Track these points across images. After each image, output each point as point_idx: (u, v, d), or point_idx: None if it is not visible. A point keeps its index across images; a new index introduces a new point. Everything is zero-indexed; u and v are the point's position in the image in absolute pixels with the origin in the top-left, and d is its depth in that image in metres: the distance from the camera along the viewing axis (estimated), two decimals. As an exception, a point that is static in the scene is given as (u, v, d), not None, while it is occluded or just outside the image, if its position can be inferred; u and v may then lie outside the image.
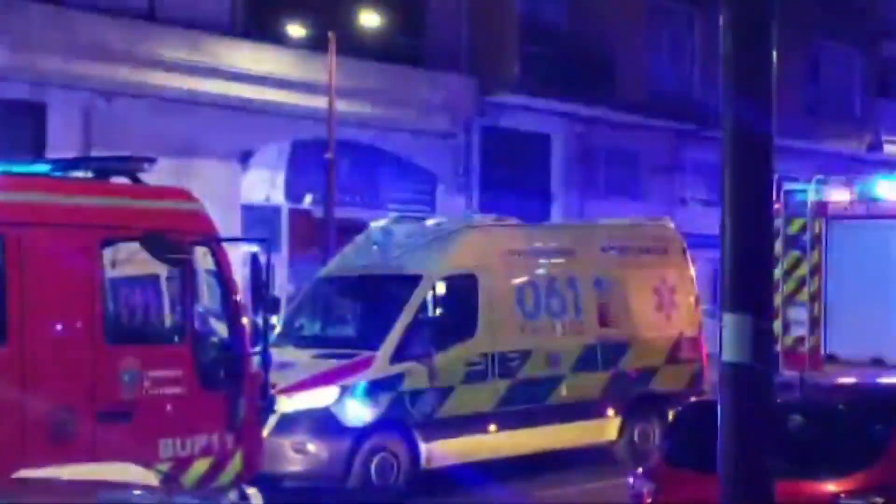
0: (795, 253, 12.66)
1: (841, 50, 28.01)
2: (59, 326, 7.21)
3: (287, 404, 10.80)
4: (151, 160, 7.87)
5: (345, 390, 11.10)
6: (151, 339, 7.93)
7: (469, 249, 12.45)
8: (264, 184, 19.57)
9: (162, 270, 8.01)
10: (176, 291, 7.91)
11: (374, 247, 12.57)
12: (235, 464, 7.89)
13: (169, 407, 7.52)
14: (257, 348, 8.05)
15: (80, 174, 7.96)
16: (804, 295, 12.66)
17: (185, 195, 8.15)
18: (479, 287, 12.21)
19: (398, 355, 11.43)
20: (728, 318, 4.58)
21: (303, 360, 11.42)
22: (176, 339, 7.88)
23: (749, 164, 4.76)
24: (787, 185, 12.75)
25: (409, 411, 11.38)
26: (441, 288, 11.91)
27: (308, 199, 19.95)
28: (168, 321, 8.15)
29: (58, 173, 7.96)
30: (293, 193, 19.92)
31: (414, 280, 11.85)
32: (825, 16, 26.12)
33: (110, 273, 7.73)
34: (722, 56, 4.79)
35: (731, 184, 4.77)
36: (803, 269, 12.67)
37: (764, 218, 4.77)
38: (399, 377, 11.38)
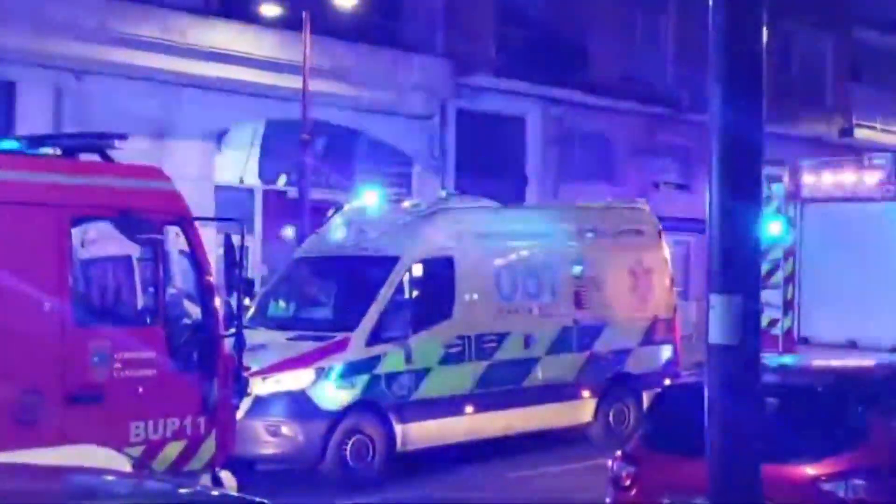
0: (770, 236, 12.66)
1: (813, 35, 28.05)
2: (27, 307, 7.06)
3: (261, 387, 10.71)
4: (122, 136, 7.70)
5: (320, 372, 11.00)
6: (122, 321, 7.78)
7: (445, 231, 12.36)
8: (238, 164, 19.38)
9: (133, 250, 7.86)
10: (148, 272, 7.77)
11: (350, 228, 12.46)
12: (208, 447, 7.77)
13: (140, 389, 7.39)
14: (231, 330, 7.92)
15: (49, 151, 7.78)
16: (778, 277, 12.70)
17: (156, 173, 7.99)
18: (455, 269, 12.14)
19: (374, 337, 11.35)
20: (716, 300, 4.49)
21: (277, 342, 11.30)
22: (147, 320, 7.74)
23: (738, 143, 4.66)
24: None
25: (385, 393, 11.30)
26: (417, 270, 11.82)
27: (282, 180, 19.77)
28: (139, 302, 8.00)
29: (27, 150, 7.79)
30: (267, 174, 19.74)
31: (390, 262, 11.76)
32: (797, 1, 26.14)
33: (80, 253, 7.58)
34: (711, 35, 4.68)
35: (720, 164, 4.67)
36: (777, 252, 12.69)
37: (752, 199, 4.67)
38: (375, 359, 11.30)
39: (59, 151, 7.81)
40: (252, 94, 18.54)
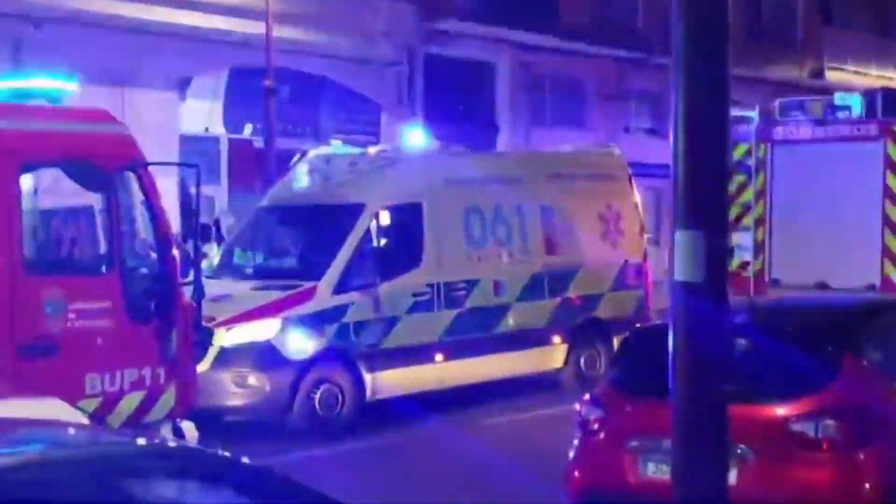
0: (740, 178, 12.58)
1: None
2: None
3: (226, 337, 10.54)
4: (72, 78, 7.44)
5: (287, 322, 10.84)
6: (76, 270, 7.58)
7: (413, 178, 12.17)
8: (203, 113, 19.04)
9: (86, 197, 7.63)
10: (102, 219, 7.54)
11: (316, 175, 12.24)
12: (168, 398, 7.62)
13: (96, 340, 7.20)
14: (188, 278, 7.72)
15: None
16: (749, 220, 12.64)
17: (108, 117, 7.73)
18: (424, 216, 11.98)
19: (341, 286, 11.19)
20: (680, 236, 4.32)
21: (243, 292, 11.13)
22: (102, 269, 7.53)
23: (703, 78, 4.48)
24: (731, 111, 12.61)
25: (353, 342, 11.18)
26: (385, 217, 11.64)
27: (248, 128, 19.47)
28: (94, 250, 7.79)
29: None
30: (232, 123, 19.42)
31: (356, 209, 11.57)
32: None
33: (31, 201, 7.34)
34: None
35: (684, 100, 4.47)
36: (748, 194, 12.64)
37: (718, 132, 4.49)
38: (343, 308, 11.15)
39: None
40: (215, 41, 18.17)
